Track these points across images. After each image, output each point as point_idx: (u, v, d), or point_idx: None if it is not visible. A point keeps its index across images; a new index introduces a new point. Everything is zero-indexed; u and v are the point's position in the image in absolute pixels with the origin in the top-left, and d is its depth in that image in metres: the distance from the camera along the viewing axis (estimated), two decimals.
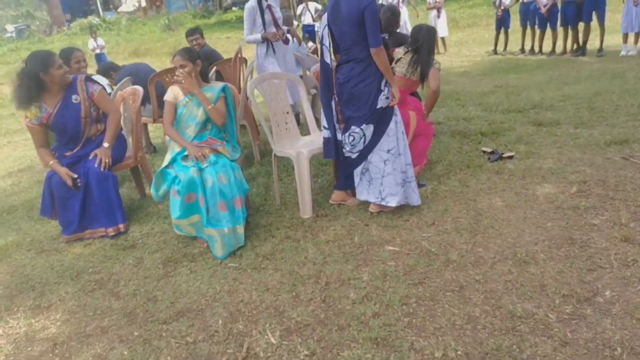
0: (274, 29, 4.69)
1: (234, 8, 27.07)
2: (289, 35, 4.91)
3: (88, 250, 3.17)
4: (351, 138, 3.08)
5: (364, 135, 3.04)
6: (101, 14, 32.45)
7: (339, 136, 3.15)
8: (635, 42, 8.05)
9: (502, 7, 9.83)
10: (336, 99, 3.09)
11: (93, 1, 34.53)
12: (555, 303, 2.13)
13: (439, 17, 10.62)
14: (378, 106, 3.00)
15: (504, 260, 2.52)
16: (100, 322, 2.38)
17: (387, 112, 3.04)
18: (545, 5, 8.92)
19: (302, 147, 3.33)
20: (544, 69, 7.78)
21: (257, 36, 4.66)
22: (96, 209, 3.25)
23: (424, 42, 3.45)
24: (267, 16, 4.64)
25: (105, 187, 3.24)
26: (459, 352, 1.91)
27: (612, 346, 1.85)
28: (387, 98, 3.02)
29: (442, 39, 11.10)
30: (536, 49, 9.56)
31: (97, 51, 14.26)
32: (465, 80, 7.61)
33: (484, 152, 4.04)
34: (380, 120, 3.02)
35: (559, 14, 8.86)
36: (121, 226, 3.31)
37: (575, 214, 2.89)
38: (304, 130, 4.21)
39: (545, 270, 2.38)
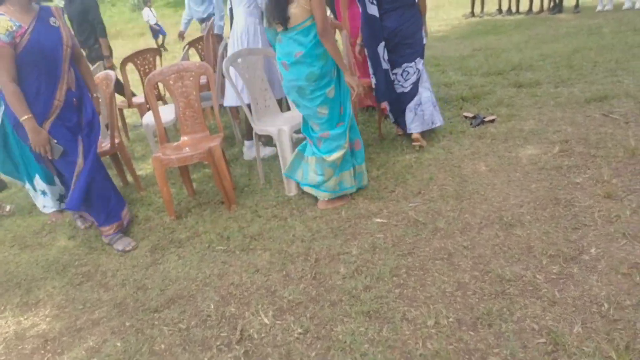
0: None
1: None
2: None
3: (73, 242, 3.11)
4: (406, 74, 3.52)
5: (417, 68, 3.51)
6: None
7: (391, 76, 3.54)
8: None
9: None
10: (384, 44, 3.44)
11: None
12: (543, 264, 2.16)
13: None
14: (424, 42, 3.54)
15: (491, 224, 2.53)
16: (91, 315, 2.35)
17: (423, 48, 3.57)
18: None
19: (283, 123, 3.28)
20: (522, 28, 7.74)
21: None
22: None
23: None
24: None
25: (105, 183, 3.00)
26: (451, 319, 1.93)
27: (599, 302, 1.88)
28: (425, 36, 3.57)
29: None
30: (513, 8, 9.49)
31: (153, 22, 12.80)
32: (444, 44, 7.54)
33: (466, 117, 4.03)
34: (423, 53, 3.56)
35: None
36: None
37: (559, 174, 2.91)
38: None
39: (531, 232, 2.41)
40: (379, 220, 2.77)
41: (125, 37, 17.09)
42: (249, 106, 3.45)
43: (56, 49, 2.59)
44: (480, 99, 4.44)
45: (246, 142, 4.07)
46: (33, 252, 3.07)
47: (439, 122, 3.63)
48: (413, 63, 3.49)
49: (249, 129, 3.93)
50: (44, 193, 3.44)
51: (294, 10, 2.61)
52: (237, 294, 2.33)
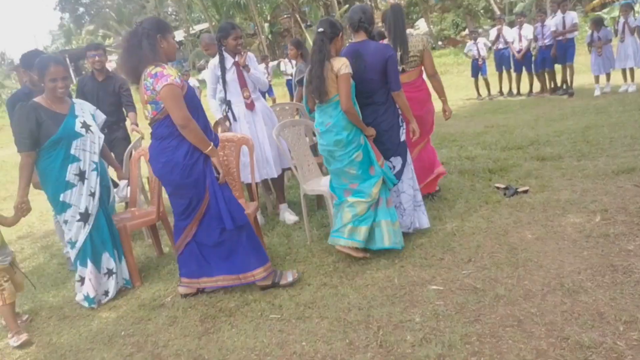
0: (238, 90, 4.04)
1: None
2: (255, 98, 4.13)
3: (115, 313, 3.02)
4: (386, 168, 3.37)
5: (394, 166, 3.33)
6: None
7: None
8: (608, 80, 8.52)
9: (482, 57, 10.28)
10: None
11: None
12: (620, 330, 2.12)
13: None
14: (401, 140, 3.35)
15: (553, 291, 2.51)
16: None
17: (405, 144, 3.42)
18: (519, 51, 9.42)
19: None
20: (528, 108, 8.10)
21: (217, 110, 4.16)
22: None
23: (391, 20, 3.60)
24: (231, 75, 4.01)
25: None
26: None
27: None
28: (404, 132, 3.41)
29: None
30: (514, 91, 9.99)
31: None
32: (456, 122, 7.80)
33: (498, 188, 4.11)
34: (403, 151, 3.36)
35: (533, 58, 9.34)
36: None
37: (607, 241, 2.93)
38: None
39: (597, 298, 2.38)
40: (435, 287, 2.73)
41: None
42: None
43: (200, 104, 2.87)
44: (507, 171, 4.55)
45: (281, 206, 4.25)
46: (74, 323, 2.97)
47: (422, 224, 3.43)
48: (388, 161, 3.29)
49: (282, 193, 4.25)
50: (110, 274, 3.17)
51: (327, 88, 2.99)
52: None
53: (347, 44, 3.28)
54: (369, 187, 3.09)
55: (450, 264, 2.97)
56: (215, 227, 2.83)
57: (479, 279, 2.74)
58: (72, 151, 2.97)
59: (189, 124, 2.66)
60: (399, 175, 3.34)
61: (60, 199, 2.97)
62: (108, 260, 3.16)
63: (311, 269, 3.19)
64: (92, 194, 3.06)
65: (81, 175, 3.01)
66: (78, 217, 3.00)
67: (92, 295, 3.07)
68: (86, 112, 3.16)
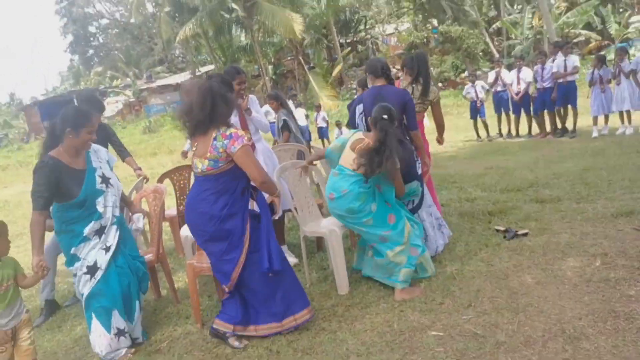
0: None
1: None
2: (256, 139, 4.16)
3: None
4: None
5: (413, 200, 3.57)
6: None
7: None
8: (606, 122, 8.63)
9: (480, 99, 10.48)
10: None
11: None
12: None
13: None
14: (419, 172, 3.59)
15: (554, 337, 2.47)
16: None
17: (421, 177, 3.65)
18: (517, 93, 9.58)
19: (331, 225, 3.47)
20: (527, 150, 8.18)
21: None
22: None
23: (422, 65, 3.90)
24: (233, 118, 3.70)
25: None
26: None
27: None
28: (419, 166, 3.63)
29: None
30: (513, 132, 10.11)
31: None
32: (455, 164, 7.90)
33: (498, 230, 4.11)
34: (420, 183, 3.61)
35: (534, 101, 9.46)
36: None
37: (608, 286, 2.91)
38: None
39: (599, 345, 2.35)
40: (434, 333, 2.70)
41: (137, 157, 17.76)
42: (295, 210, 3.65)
43: None
44: (507, 213, 4.56)
45: (281, 247, 4.23)
46: None
47: (447, 233, 3.89)
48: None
49: (282, 235, 4.18)
50: (120, 334, 2.91)
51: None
52: None
53: (369, 88, 3.55)
54: (400, 236, 3.22)
55: (451, 309, 2.94)
56: (254, 270, 2.82)
57: (480, 324, 2.71)
58: (95, 208, 2.88)
59: (267, 178, 2.84)
60: (417, 207, 3.61)
61: (72, 251, 2.85)
62: (117, 319, 2.89)
63: None
64: (107, 249, 2.91)
65: (99, 231, 2.90)
66: (85, 269, 2.84)
67: (99, 352, 2.88)
68: (102, 160, 3.05)
